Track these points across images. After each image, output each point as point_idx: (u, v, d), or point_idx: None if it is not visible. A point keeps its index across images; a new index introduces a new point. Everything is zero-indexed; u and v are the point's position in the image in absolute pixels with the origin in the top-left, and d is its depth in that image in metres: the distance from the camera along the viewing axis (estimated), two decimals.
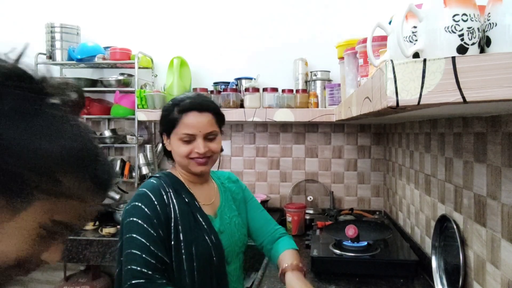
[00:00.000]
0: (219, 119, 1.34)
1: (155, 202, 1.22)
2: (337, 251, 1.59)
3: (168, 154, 1.40)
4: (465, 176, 1.18)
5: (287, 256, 1.34)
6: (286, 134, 2.59)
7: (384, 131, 2.49)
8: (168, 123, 1.30)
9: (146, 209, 1.20)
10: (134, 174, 2.53)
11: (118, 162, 2.56)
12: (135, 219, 1.19)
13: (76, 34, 2.62)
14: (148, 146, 2.58)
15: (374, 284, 1.45)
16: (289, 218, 2.21)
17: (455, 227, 1.21)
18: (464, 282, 1.16)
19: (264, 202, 2.39)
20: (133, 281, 1.11)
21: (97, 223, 2.35)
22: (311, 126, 2.56)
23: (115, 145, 2.62)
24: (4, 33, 2.79)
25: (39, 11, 2.76)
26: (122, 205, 2.57)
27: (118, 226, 2.25)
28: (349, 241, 1.59)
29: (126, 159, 2.65)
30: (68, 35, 2.57)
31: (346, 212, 2.31)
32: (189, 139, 1.27)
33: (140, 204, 1.21)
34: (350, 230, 1.57)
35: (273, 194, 2.60)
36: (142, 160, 2.50)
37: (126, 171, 2.55)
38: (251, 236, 1.48)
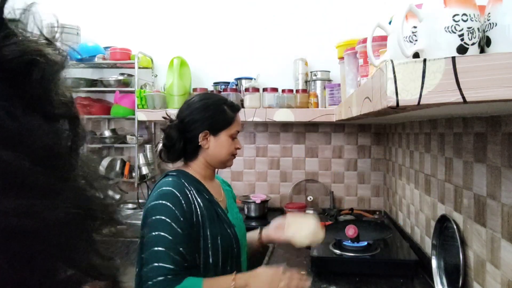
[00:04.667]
0: None
1: (182, 201, 1.24)
2: (337, 251, 1.59)
3: (179, 155, 1.37)
4: (465, 176, 1.18)
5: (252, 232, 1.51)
6: (286, 134, 2.59)
7: (384, 131, 2.49)
8: (222, 121, 1.36)
9: (173, 207, 1.21)
10: (134, 174, 2.53)
11: (118, 162, 2.56)
12: (162, 217, 1.20)
13: (76, 34, 2.62)
14: (148, 146, 2.58)
15: (374, 284, 1.45)
16: None
17: (455, 227, 1.21)
18: (464, 282, 1.16)
19: (264, 202, 2.39)
20: (160, 278, 1.13)
21: None
22: (311, 126, 2.56)
23: (115, 145, 2.62)
24: None
25: (39, 11, 2.75)
26: (122, 205, 2.57)
27: (118, 226, 2.25)
28: (349, 241, 1.59)
29: (126, 159, 2.65)
30: (68, 35, 2.57)
31: (346, 212, 2.31)
32: (236, 136, 1.39)
33: (166, 203, 1.22)
34: (350, 230, 1.58)
35: (273, 194, 2.60)
36: (142, 160, 2.50)
37: (126, 171, 2.55)
38: None
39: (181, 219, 1.21)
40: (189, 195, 1.27)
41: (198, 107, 1.36)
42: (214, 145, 1.35)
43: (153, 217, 1.20)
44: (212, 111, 1.35)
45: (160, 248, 1.16)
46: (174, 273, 1.14)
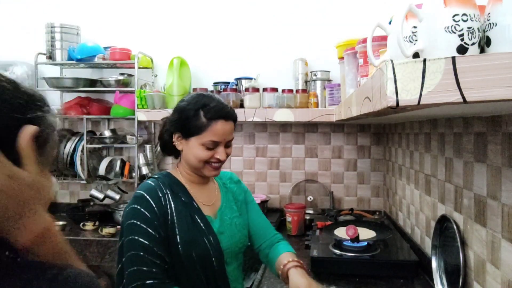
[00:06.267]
0: (235, 126, 1.36)
1: (153, 204, 1.22)
2: (337, 251, 1.58)
3: (171, 152, 1.38)
4: (465, 176, 1.18)
5: (286, 255, 1.34)
6: (286, 134, 2.59)
7: (384, 131, 2.49)
8: (192, 127, 1.26)
9: (145, 212, 1.21)
10: (134, 174, 2.52)
11: (118, 162, 2.56)
12: (134, 221, 1.19)
13: (76, 34, 2.62)
14: (148, 146, 2.58)
15: (374, 285, 1.45)
16: (289, 218, 2.21)
17: (455, 227, 1.21)
18: (464, 282, 1.16)
19: (264, 202, 2.39)
20: (140, 282, 1.12)
21: (97, 223, 2.35)
22: (311, 126, 2.56)
23: (115, 145, 2.62)
24: (4, 33, 2.79)
25: (39, 11, 2.76)
26: (122, 205, 2.57)
27: (118, 227, 2.25)
28: (349, 241, 1.59)
29: (126, 159, 2.65)
30: (68, 35, 2.57)
31: (346, 212, 2.31)
32: (213, 146, 1.27)
33: (138, 207, 1.22)
34: (350, 230, 1.57)
35: (273, 194, 2.60)
36: (142, 160, 2.50)
37: (126, 171, 2.55)
38: (250, 239, 1.48)
39: (155, 222, 1.20)
40: (162, 198, 1.25)
41: (177, 107, 1.34)
42: (185, 149, 1.31)
43: (127, 222, 1.21)
44: (185, 114, 1.28)
45: (139, 253, 1.15)
46: (154, 276, 1.13)
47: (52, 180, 0.63)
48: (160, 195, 1.26)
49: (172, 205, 1.26)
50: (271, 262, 1.38)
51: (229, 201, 1.42)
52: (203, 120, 1.25)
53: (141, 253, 1.15)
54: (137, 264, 1.15)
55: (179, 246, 1.22)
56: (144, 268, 1.13)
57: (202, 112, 1.26)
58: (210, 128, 1.25)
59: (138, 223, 1.19)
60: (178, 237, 1.22)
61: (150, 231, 1.18)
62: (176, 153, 1.38)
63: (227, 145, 1.32)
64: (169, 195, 1.27)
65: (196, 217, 1.28)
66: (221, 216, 1.35)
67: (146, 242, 1.16)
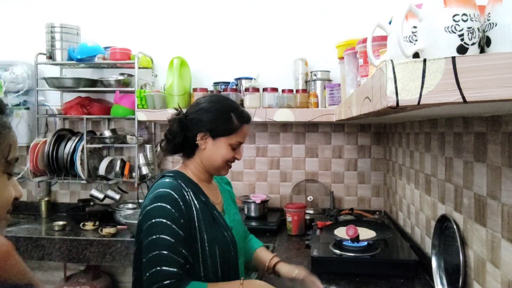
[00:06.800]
0: None
1: (180, 202, 1.22)
2: (337, 251, 1.59)
3: (182, 150, 1.38)
4: (465, 176, 1.18)
5: (264, 252, 1.53)
6: (286, 134, 2.59)
7: (384, 131, 2.49)
8: (224, 128, 1.33)
9: (172, 209, 1.19)
10: (134, 174, 2.52)
11: (118, 162, 2.56)
12: (162, 219, 1.17)
13: (76, 34, 2.62)
14: (148, 146, 2.58)
15: (374, 284, 1.45)
16: (289, 218, 2.21)
17: (455, 227, 1.21)
18: (464, 282, 1.16)
19: (264, 202, 2.39)
20: (166, 282, 1.11)
21: (97, 223, 2.35)
22: (311, 126, 2.56)
23: (115, 145, 2.62)
24: (4, 33, 2.79)
25: (39, 11, 2.76)
26: (122, 205, 2.57)
27: (119, 227, 2.26)
28: (349, 241, 1.59)
29: (126, 159, 2.65)
30: (68, 35, 2.57)
31: (346, 212, 2.31)
32: (237, 147, 1.37)
33: (165, 204, 1.20)
34: (350, 230, 1.58)
35: (273, 194, 2.60)
36: (142, 160, 2.49)
37: (126, 171, 2.54)
38: None
39: (181, 220, 1.19)
40: (187, 197, 1.26)
41: (205, 107, 1.35)
42: (210, 148, 1.33)
43: (152, 220, 1.18)
44: (217, 116, 1.33)
45: (162, 252, 1.14)
46: (179, 277, 1.12)
47: (6, 186, 0.59)
48: (185, 193, 1.26)
49: (196, 203, 1.27)
50: (249, 252, 1.53)
51: (227, 199, 1.48)
52: (236, 123, 1.34)
53: (165, 252, 1.14)
54: (159, 264, 1.13)
55: (206, 244, 1.23)
56: (165, 268, 1.12)
57: (234, 115, 1.35)
58: (240, 130, 1.36)
59: (165, 221, 1.17)
60: (204, 234, 1.24)
61: (177, 229, 1.17)
62: (188, 152, 1.38)
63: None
64: (191, 193, 1.28)
65: (216, 214, 1.32)
66: (228, 212, 1.42)
67: (172, 240, 1.15)
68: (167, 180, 1.29)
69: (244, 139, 1.39)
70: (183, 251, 1.17)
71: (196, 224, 1.23)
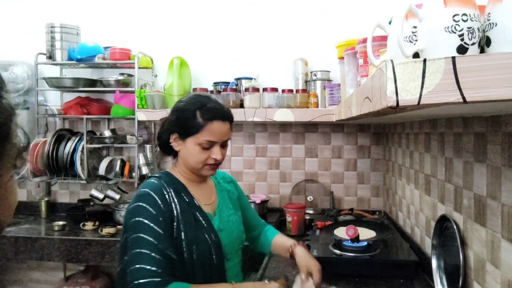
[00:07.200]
0: (232, 126, 1.37)
1: (159, 202, 1.23)
2: (337, 251, 1.58)
3: (168, 151, 1.39)
4: (465, 176, 1.18)
5: (283, 238, 1.52)
6: (285, 134, 2.59)
7: (384, 131, 2.49)
8: (189, 127, 1.28)
9: (150, 209, 1.21)
10: (134, 174, 2.52)
11: (118, 162, 2.56)
12: (141, 218, 1.19)
13: (76, 34, 2.62)
14: (148, 146, 2.58)
15: (373, 285, 1.45)
16: (289, 218, 2.21)
17: (455, 227, 1.21)
18: (464, 282, 1.16)
19: (264, 202, 2.39)
20: (144, 280, 1.12)
21: (97, 223, 2.35)
22: (310, 126, 2.56)
23: (115, 145, 2.62)
24: (4, 33, 2.79)
25: (39, 11, 2.76)
26: (122, 205, 2.57)
27: (118, 227, 2.25)
28: (349, 241, 1.59)
29: (126, 159, 2.65)
30: (68, 35, 2.57)
31: (346, 212, 2.31)
32: (209, 146, 1.29)
33: (143, 204, 1.22)
34: (350, 230, 1.57)
35: (273, 194, 2.60)
36: (142, 160, 2.50)
37: (126, 171, 2.54)
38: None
39: (160, 219, 1.20)
40: (167, 196, 1.26)
41: (174, 107, 1.36)
42: (183, 149, 1.32)
43: (132, 219, 1.21)
44: (181, 115, 1.30)
45: (142, 250, 1.15)
46: (157, 275, 1.13)
47: (13, 190, 0.51)
48: (165, 193, 1.27)
49: (177, 204, 1.27)
50: (266, 242, 1.54)
51: (224, 199, 1.45)
52: (199, 120, 1.27)
53: (146, 251, 1.15)
54: (140, 262, 1.14)
55: (183, 243, 1.23)
56: (147, 267, 1.13)
57: (199, 112, 1.28)
58: (206, 128, 1.27)
59: (144, 220, 1.19)
60: (182, 233, 1.24)
61: (156, 228, 1.18)
62: (174, 153, 1.39)
63: (223, 145, 1.33)
64: (173, 193, 1.29)
65: (198, 215, 1.30)
66: (219, 214, 1.38)
67: (151, 239, 1.17)
68: (151, 180, 1.31)
69: (218, 137, 1.29)
70: (164, 249, 1.17)
71: (175, 223, 1.24)
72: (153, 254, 1.15)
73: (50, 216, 2.66)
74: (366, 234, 1.65)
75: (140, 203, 1.22)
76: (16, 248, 2.18)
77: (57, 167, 2.54)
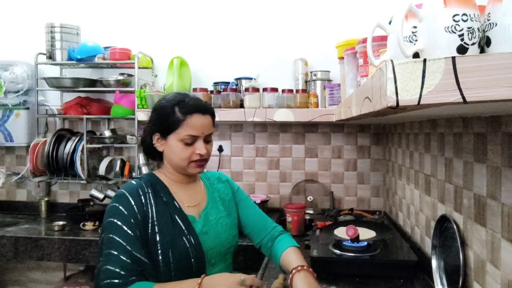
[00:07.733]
0: (214, 121, 1.35)
1: (132, 203, 1.23)
2: (337, 251, 1.58)
3: (153, 154, 1.37)
4: (465, 176, 1.18)
5: (291, 256, 1.32)
6: (285, 134, 2.59)
7: (384, 131, 2.49)
8: (169, 124, 1.27)
9: (123, 210, 1.21)
10: (134, 174, 2.53)
11: (118, 162, 2.56)
12: (113, 219, 1.20)
13: (76, 34, 2.62)
14: None
15: (373, 285, 1.45)
16: (289, 218, 2.21)
17: (455, 227, 1.21)
18: (464, 283, 1.16)
19: (263, 202, 2.39)
20: (106, 281, 1.12)
21: (97, 223, 2.35)
22: (310, 126, 2.56)
23: (115, 145, 2.62)
24: (4, 33, 2.79)
25: (39, 11, 2.76)
26: None
27: None
28: (349, 241, 1.59)
29: (126, 159, 2.65)
30: (68, 35, 2.57)
31: (346, 212, 2.31)
32: (191, 141, 1.27)
33: (117, 205, 1.22)
34: (350, 230, 1.57)
35: (273, 194, 2.60)
36: (142, 160, 2.49)
37: (126, 171, 2.55)
38: (249, 236, 1.49)
39: (132, 220, 1.20)
40: (142, 197, 1.25)
41: (154, 107, 1.34)
42: (166, 148, 1.31)
43: (107, 219, 1.21)
44: (160, 113, 1.29)
45: (111, 251, 1.15)
46: (118, 276, 1.12)
47: None
48: (141, 193, 1.26)
49: (153, 205, 1.26)
50: (275, 257, 1.39)
51: (215, 201, 1.41)
52: (178, 115, 1.26)
53: (115, 252, 1.15)
54: (108, 263, 1.14)
55: (158, 245, 1.21)
56: (112, 268, 1.13)
57: (177, 107, 1.27)
58: (186, 122, 1.26)
59: (116, 221, 1.19)
60: (157, 235, 1.22)
61: (126, 229, 1.18)
62: (160, 157, 1.37)
63: (207, 140, 1.31)
64: (150, 194, 1.27)
65: (176, 217, 1.28)
66: (205, 216, 1.34)
67: (121, 241, 1.16)
68: (131, 181, 1.31)
69: (199, 131, 1.27)
70: (132, 251, 1.16)
71: (150, 225, 1.23)
72: (120, 256, 1.14)
73: (50, 216, 2.66)
74: (366, 234, 1.66)
75: (115, 204, 1.23)
76: (16, 248, 2.18)
77: (57, 167, 2.54)
